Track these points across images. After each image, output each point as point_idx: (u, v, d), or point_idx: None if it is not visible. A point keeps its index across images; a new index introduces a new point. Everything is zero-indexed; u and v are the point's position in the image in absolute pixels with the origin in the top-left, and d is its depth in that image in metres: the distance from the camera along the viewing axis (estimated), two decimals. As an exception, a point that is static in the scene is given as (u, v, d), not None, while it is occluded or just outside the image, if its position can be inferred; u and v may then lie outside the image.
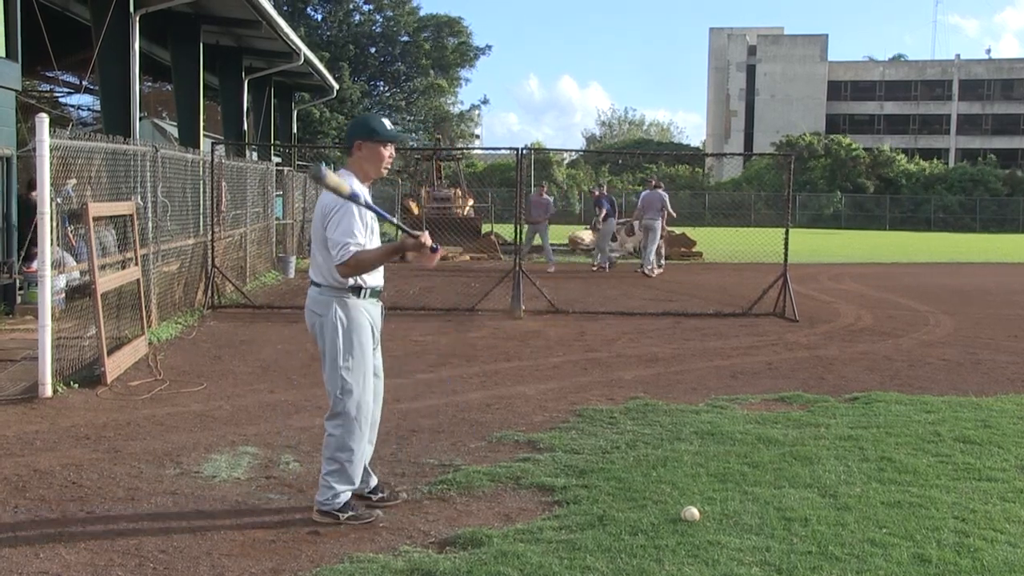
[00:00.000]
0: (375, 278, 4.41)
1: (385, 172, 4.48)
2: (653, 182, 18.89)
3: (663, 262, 19.24)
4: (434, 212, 24.73)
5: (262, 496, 4.70)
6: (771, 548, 3.97)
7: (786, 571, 3.75)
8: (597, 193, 19.51)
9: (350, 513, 4.33)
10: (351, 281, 4.29)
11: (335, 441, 4.34)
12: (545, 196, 19.35)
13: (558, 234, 26.84)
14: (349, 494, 4.39)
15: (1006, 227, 54.49)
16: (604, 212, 19.38)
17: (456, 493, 4.75)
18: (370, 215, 4.29)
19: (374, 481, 4.64)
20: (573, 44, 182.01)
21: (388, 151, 4.36)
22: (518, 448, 5.62)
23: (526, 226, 16.30)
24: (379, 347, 4.60)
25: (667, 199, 18.20)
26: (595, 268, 19.29)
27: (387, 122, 4.42)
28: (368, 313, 4.38)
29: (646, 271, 17.84)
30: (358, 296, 4.32)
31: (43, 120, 6.73)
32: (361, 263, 4.17)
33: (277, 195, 18.16)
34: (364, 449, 4.45)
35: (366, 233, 4.24)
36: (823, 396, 7.19)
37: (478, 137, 73.82)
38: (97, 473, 5.00)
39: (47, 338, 6.74)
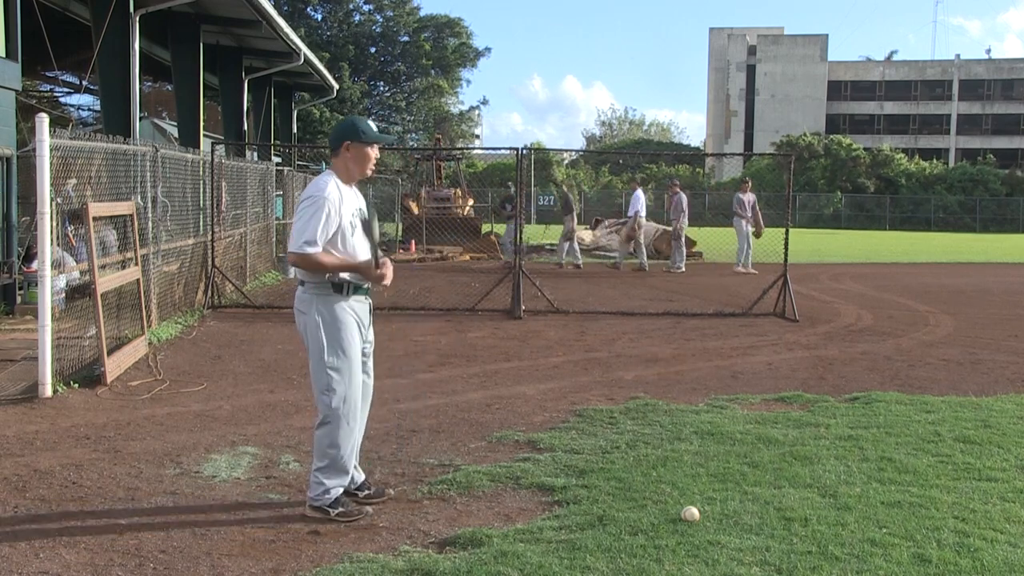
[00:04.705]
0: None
1: (370, 172, 4.62)
2: (677, 186, 20.01)
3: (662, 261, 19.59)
4: (434, 212, 24.73)
5: (262, 496, 4.70)
6: (771, 548, 3.97)
7: (786, 571, 3.75)
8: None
9: (340, 509, 4.38)
10: (327, 276, 4.35)
11: (324, 438, 4.40)
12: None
13: (558, 233, 26.81)
14: (340, 490, 4.45)
15: (1006, 227, 54.44)
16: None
17: (456, 493, 4.75)
18: (349, 217, 4.39)
19: (360, 478, 4.69)
20: (576, 44, 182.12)
21: (374, 152, 4.54)
22: (518, 448, 5.62)
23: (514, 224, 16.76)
24: (371, 347, 4.62)
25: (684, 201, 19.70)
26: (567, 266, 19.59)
27: (373, 124, 4.60)
28: (353, 311, 4.43)
29: (673, 269, 19.12)
30: (341, 293, 4.38)
31: (43, 120, 6.73)
32: (313, 265, 4.29)
33: (277, 195, 18.16)
34: (354, 444, 4.51)
35: (342, 238, 4.35)
36: (823, 396, 7.19)
37: (478, 137, 73.88)
38: (97, 473, 5.01)
39: (47, 338, 6.74)
